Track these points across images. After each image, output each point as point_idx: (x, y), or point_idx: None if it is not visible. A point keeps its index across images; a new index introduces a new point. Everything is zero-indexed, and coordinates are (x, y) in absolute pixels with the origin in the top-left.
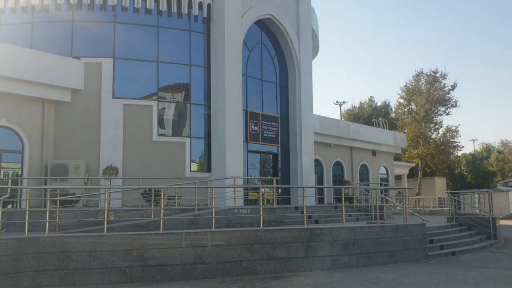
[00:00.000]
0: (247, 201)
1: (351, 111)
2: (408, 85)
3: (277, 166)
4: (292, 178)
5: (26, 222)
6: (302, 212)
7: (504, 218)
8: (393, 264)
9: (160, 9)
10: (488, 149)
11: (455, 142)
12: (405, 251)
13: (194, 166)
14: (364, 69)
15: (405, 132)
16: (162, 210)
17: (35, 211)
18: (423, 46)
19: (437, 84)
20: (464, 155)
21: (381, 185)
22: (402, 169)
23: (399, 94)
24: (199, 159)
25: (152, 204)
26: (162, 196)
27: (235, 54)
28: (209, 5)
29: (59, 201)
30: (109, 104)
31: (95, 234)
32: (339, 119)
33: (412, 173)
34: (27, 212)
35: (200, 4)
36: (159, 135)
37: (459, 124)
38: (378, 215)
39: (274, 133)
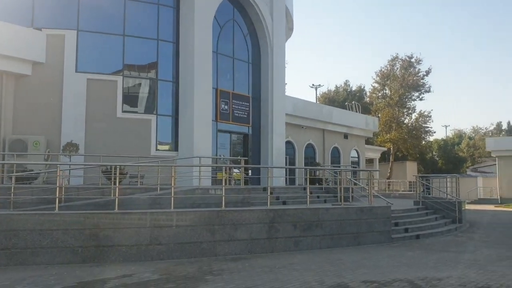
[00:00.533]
0: (216, 182)
1: (326, 95)
2: (383, 69)
3: (248, 147)
4: (263, 159)
5: None
6: (271, 193)
7: (472, 202)
8: (356, 246)
9: None
10: (459, 135)
11: (427, 127)
12: (369, 234)
13: (161, 145)
14: (340, 53)
15: (378, 117)
16: (117, 188)
17: None
18: (402, 30)
19: (411, 69)
20: (436, 140)
21: (352, 167)
22: (374, 153)
23: (374, 79)
24: (166, 137)
25: (112, 182)
26: (117, 174)
27: (205, 30)
28: None
29: (15, 178)
30: (71, 78)
31: (45, 212)
32: (314, 102)
33: (384, 157)
34: None
35: None
36: (123, 111)
37: (431, 110)
38: (343, 197)
39: (245, 113)
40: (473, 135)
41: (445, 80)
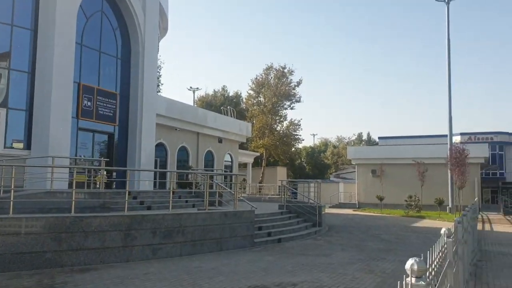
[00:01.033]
0: (78, 185)
1: (204, 98)
2: (258, 77)
3: (113, 148)
4: (130, 161)
5: None
6: (135, 198)
7: (333, 206)
8: (219, 252)
9: None
10: (325, 144)
11: (297, 135)
12: (232, 238)
13: (10, 142)
14: (219, 59)
15: (253, 123)
16: None
17: None
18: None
19: (284, 79)
20: (304, 147)
21: (225, 172)
22: (248, 158)
23: (250, 86)
24: (18, 134)
25: None
26: None
27: (68, 18)
28: None
29: None
30: None
31: None
32: (190, 104)
33: (257, 162)
34: None
35: None
36: None
37: (301, 119)
38: (208, 201)
39: (112, 111)
40: (338, 143)
41: (314, 91)
